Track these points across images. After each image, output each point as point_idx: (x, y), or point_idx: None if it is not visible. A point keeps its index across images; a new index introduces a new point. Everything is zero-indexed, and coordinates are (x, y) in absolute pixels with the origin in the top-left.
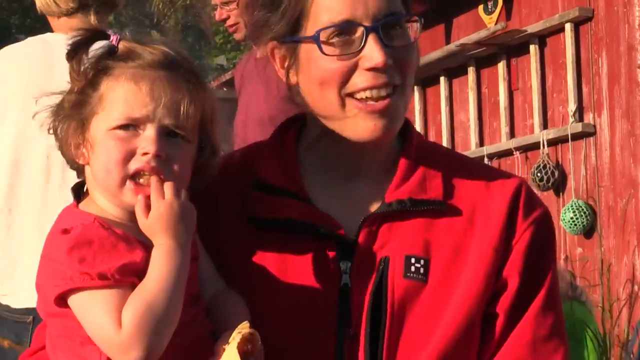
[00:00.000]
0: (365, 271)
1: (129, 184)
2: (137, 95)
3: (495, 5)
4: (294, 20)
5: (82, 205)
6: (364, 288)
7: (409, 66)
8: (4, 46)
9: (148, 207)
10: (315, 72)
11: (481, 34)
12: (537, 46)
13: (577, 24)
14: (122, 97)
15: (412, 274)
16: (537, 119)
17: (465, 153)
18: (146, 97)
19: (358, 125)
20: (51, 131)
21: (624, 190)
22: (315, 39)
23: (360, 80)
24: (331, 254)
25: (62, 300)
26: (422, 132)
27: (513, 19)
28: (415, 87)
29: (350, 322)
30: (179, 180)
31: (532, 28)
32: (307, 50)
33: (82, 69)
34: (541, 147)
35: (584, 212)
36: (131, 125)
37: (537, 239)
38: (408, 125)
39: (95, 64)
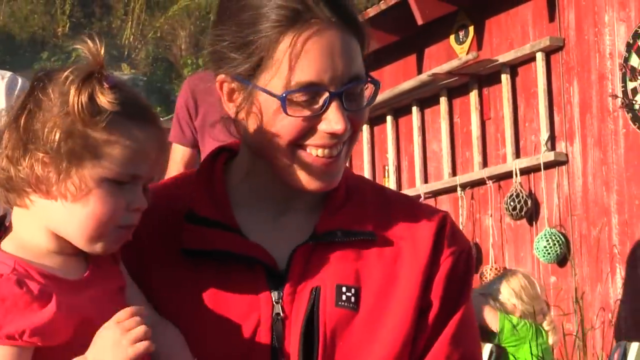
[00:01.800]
0: (297, 301)
1: (117, 231)
2: (140, 153)
3: (466, 35)
4: (256, 63)
5: (5, 243)
6: (296, 318)
7: (361, 124)
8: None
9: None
10: (271, 124)
11: (453, 63)
12: (508, 76)
13: (548, 53)
14: (126, 151)
15: (343, 303)
16: (509, 148)
17: (438, 183)
18: (147, 156)
19: (303, 176)
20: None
21: (597, 218)
22: (281, 99)
23: (315, 138)
24: (262, 284)
25: None
26: (394, 163)
27: (484, 48)
28: (388, 117)
29: (283, 351)
30: None
31: (503, 57)
32: (265, 101)
33: (79, 106)
34: (514, 176)
35: (557, 241)
36: (124, 182)
37: (457, 270)
38: None
39: (92, 104)
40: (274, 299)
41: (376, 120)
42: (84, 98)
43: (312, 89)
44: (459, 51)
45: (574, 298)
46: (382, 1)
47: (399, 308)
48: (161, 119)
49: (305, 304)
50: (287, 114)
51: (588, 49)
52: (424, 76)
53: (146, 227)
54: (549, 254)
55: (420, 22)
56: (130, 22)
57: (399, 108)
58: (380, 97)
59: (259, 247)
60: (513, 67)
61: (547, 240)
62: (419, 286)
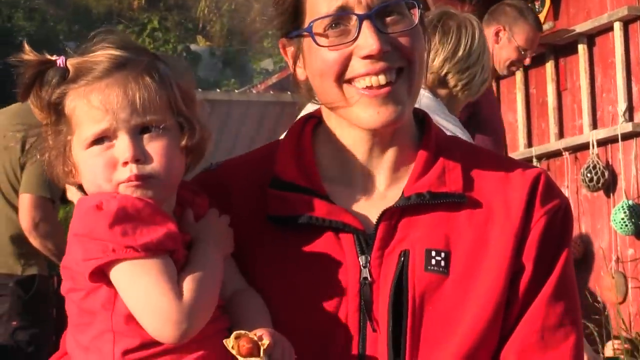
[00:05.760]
0: (385, 265)
1: (123, 187)
2: (92, 110)
3: (542, 5)
4: (294, 14)
5: None
6: (385, 282)
7: (412, 50)
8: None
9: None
10: (315, 63)
11: None
12: (585, 46)
13: (626, 22)
14: (82, 116)
15: (432, 267)
16: (586, 119)
17: (513, 154)
18: (100, 109)
19: (362, 113)
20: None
21: None
22: (308, 31)
23: (358, 67)
24: (350, 248)
25: (98, 276)
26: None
27: (561, 18)
28: None
29: (371, 316)
30: (168, 172)
31: (580, 27)
32: (308, 43)
33: (41, 103)
34: (591, 147)
35: (635, 213)
36: (104, 138)
37: (552, 228)
38: (427, 118)
39: (52, 94)
40: (361, 264)
41: None
42: (33, 101)
43: (339, 14)
44: None
45: None
46: None
47: (491, 272)
48: (235, 91)
49: (394, 268)
50: (317, 44)
51: None
52: None
53: (232, 191)
54: (626, 226)
55: None
56: None
57: None
58: None
59: (346, 212)
60: (590, 37)
61: (625, 212)
62: (510, 249)
